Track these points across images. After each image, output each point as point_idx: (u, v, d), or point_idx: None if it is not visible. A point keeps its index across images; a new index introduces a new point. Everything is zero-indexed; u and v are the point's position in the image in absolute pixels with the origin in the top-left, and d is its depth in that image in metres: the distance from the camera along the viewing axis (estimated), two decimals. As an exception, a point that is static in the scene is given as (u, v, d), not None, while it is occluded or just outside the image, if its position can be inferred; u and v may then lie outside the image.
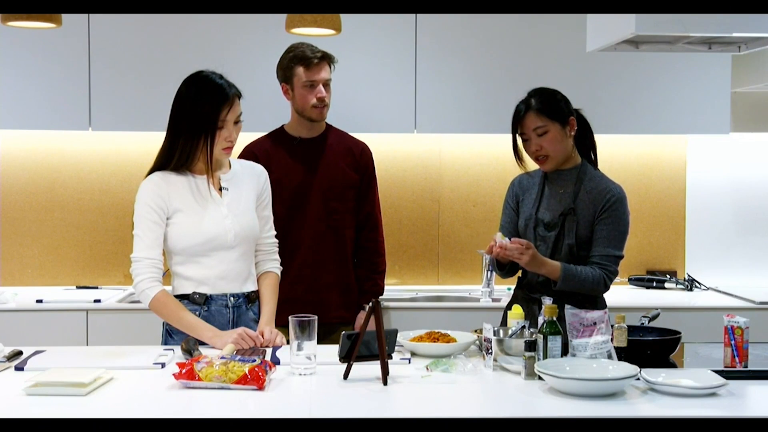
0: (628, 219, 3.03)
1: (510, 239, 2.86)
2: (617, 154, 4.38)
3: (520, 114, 3.01)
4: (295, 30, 3.20)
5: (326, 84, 3.36)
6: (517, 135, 3.04)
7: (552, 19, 4.00)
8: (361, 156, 3.51)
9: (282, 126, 3.49)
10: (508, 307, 3.13)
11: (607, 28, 2.75)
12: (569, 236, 2.95)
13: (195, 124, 2.73)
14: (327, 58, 3.36)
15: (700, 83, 4.07)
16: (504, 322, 3.09)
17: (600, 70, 4.05)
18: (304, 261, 3.37)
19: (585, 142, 3.11)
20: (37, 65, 3.92)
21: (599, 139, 4.34)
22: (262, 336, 2.75)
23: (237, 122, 2.79)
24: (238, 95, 2.80)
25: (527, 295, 3.05)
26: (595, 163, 3.12)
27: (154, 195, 2.75)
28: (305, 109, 3.37)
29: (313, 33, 3.26)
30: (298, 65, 3.34)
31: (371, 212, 3.53)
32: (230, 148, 2.80)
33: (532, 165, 3.11)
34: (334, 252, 3.42)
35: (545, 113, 2.98)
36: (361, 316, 3.46)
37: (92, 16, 3.90)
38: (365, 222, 3.52)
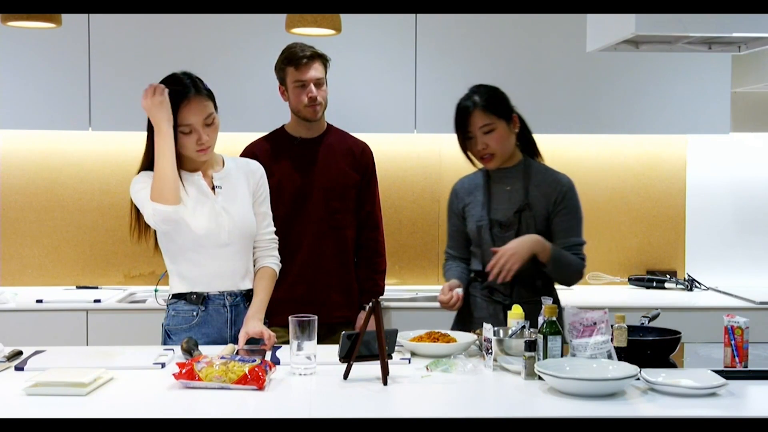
0: (581, 206, 3.04)
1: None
2: (617, 154, 4.38)
3: (468, 112, 2.98)
4: (295, 30, 3.19)
5: (318, 83, 3.34)
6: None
7: (552, 19, 4.00)
8: (362, 155, 3.51)
9: (282, 126, 3.49)
10: (463, 309, 3.13)
11: (607, 28, 2.75)
12: (528, 233, 2.94)
13: None
14: (318, 57, 3.34)
15: (700, 83, 4.07)
16: (456, 325, 3.10)
17: (600, 70, 4.05)
18: (305, 261, 3.36)
19: (525, 138, 3.09)
20: (37, 65, 3.92)
21: (599, 138, 4.39)
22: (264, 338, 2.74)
23: (210, 124, 2.75)
24: (205, 95, 2.75)
25: (488, 297, 3.05)
26: (539, 155, 3.11)
27: (148, 177, 2.73)
28: (299, 109, 3.36)
29: (313, 33, 3.25)
30: (289, 66, 3.33)
31: (372, 211, 3.53)
32: (204, 150, 2.76)
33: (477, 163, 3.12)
34: (336, 252, 3.42)
35: (492, 111, 2.96)
36: (362, 316, 3.46)
37: (92, 16, 3.90)
38: (366, 221, 3.52)
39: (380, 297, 3.50)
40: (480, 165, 3.09)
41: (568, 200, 2.99)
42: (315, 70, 3.33)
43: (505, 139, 2.98)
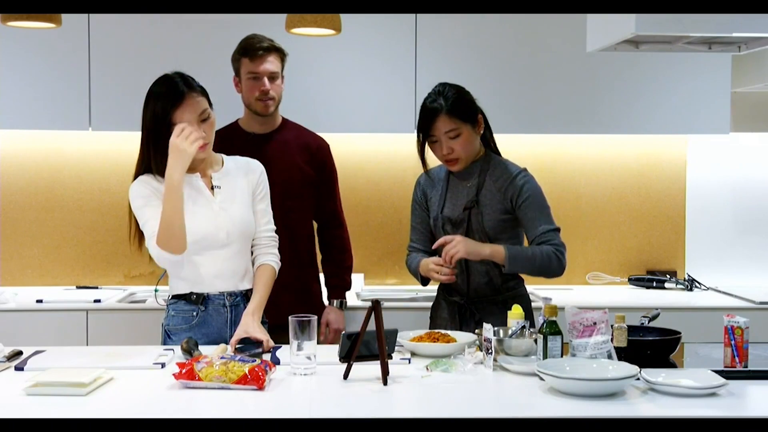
0: (543, 193, 2.98)
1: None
2: (617, 154, 4.38)
3: (434, 116, 2.91)
4: (295, 30, 3.20)
5: (272, 77, 3.27)
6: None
7: (552, 19, 4.00)
8: (318, 151, 3.44)
9: (237, 120, 3.44)
10: (434, 308, 3.14)
11: (607, 28, 2.75)
12: (478, 230, 2.93)
13: (154, 126, 2.71)
14: (274, 50, 3.28)
15: (700, 83, 4.07)
16: (432, 325, 3.11)
17: (600, 70, 4.05)
18: None
19: (485, 135, 3.05)
20: (37, 65, 3.92)
21: (599, 138, 4.39)
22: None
23: (205, 120, 2.73)
24: (198, 91, 2.73)
25: (447, 296, 3.04)
26: (496, 149, 3.07)
27: (147, 186, 2.73)
28: (250, 102, 3.30)
29: (313, 33, 3.25)
30: (244, 57, 3.27)
31: (334, 209, 3.49)
32: (203, 147, 2.73)
33: (432, 166, 3.08)
34: (289, 252, 3.26)
35: (457, 115, 2.90)
36: (329, 310, 3.47)
37: (92, 16, 3.90)
38: (329, 220, 3.49)
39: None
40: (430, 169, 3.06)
41: (525, 192, 2.92)
42: (270, 63, 3.26)
43: (470, 143, 2.94)
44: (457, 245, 2.83)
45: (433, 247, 2.91)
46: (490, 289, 2.98)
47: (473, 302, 2.98)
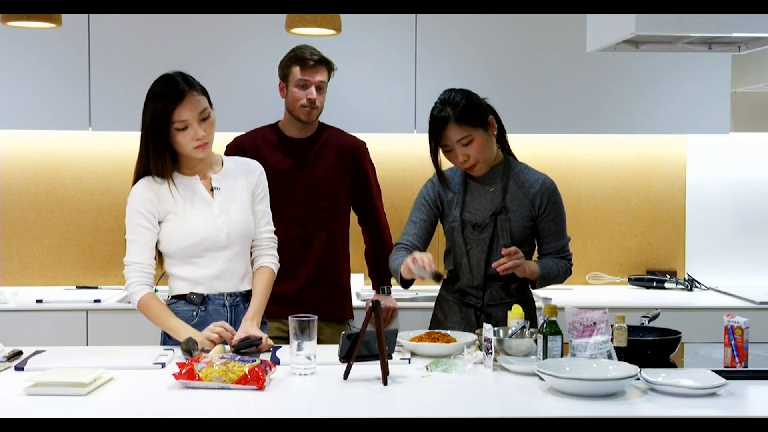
0: (563, 204, 3.04)
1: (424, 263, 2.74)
2: (617, 154, 4.39)
3: (442, 126, 2.87)
4: (295, 30, 3.20)
5: (319, 87, 3.40)
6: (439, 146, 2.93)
7: (552, 19, 4.00)
8: (353, 152, 3.55)
9: (277, 122, 3.53)
10: (436, 314, 3.13)
11: (607, 28, 2.75)
12: (503, 236, 2.94)
13: (153, 125, 2.70)
14: (325, 63, 3.41)
15: (700, 83, 4.07)
16: (432, 325, 3.10)
17: (600, 70, 4.05)
18: (289, 259, 3.31)
19: (500, 137, 3.01)
20: (37, 65, 3.92)
21: (599, 138, 4.39)
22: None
23: (205, 118, 2.72)
24: (198, 90, 2.72)
25: (460, 300, 3.04)
26: (510, 152, 3.07)
27: (143, 200, 2.73)
28: (294, 108, 3.41)
29: (313, 33, 3.26)
30: (295, 64, 3.39)
31: (371, 205, 3.63)
32: (203, 146, 2.73)
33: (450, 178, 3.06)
34: (321, 250, 3.48)
35: (466, 121, 2.86)
36: (379, 298, 3.62)
37: (92, 16, 3.90)
38: (366, 215, 3.64)
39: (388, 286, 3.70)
40: (449, 183, 3.02)
41: (552, 204, 2.97)
42: (320, 74, 3.40)
43: (485, 147, 2.90)
44: (522, 264, 2.87)
45: (503, 252, 2.85)
46: (506, 292, 2.99)
47: (488, 306, 2.98)
